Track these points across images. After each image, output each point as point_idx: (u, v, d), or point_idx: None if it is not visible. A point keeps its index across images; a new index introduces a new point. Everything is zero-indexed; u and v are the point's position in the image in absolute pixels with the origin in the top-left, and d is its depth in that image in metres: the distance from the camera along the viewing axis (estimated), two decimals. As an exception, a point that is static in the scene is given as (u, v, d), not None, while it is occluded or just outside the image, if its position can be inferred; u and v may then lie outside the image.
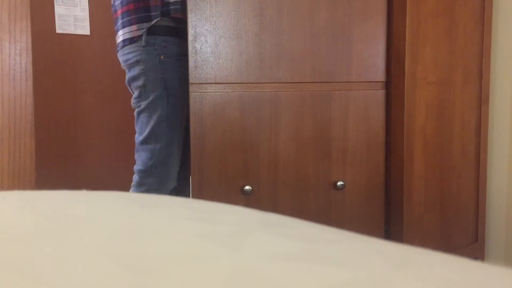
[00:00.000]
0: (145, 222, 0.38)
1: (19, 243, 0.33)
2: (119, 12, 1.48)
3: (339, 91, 1.42)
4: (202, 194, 1.34)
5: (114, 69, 2.76)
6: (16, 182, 2.40)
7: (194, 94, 1.32)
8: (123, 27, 1.45)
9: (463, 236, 1.50)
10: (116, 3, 1.49)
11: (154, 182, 1.45)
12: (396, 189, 1.31)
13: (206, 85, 1.34)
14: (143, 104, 1.43)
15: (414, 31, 1.29)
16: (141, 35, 1.41)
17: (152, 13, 1.42)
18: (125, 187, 2.97)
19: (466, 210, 1.50)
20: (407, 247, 0.37)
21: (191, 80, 1.31)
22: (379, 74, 1.33)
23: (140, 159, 1.46)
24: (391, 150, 1.33)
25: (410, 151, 1.31)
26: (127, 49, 1.44)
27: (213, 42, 1.34)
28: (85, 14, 2.62)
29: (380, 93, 1.33)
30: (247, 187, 1.37)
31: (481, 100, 1.52)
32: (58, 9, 2.56)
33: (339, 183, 1.45)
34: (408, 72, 1.28)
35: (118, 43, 1.51)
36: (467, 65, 1.46)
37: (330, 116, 1.45)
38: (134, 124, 1.50)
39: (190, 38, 1.31)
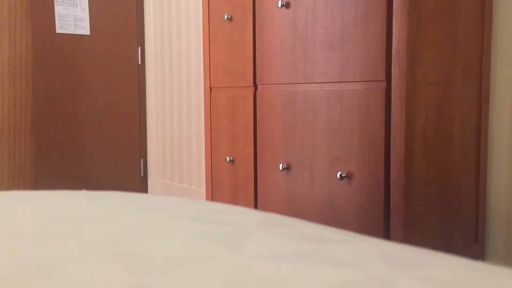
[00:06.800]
0: (145, 222, 0.38)
1: (19, 243, 0.33)
2: None
3: (339, 90, 1.42)
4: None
5: (114, 69, 2.76)
6: (16, 182, 2.40)
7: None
8: None
9: (463, 236, 1.50)
10: None
11: None
12: (396, 189, 1.31)
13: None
14: None
15: (414, 31, 1.29)
16: None
17: None
18: (125, 187, 2.98)
19: (466, 210, 1.50)
20: (407, 247, 0.37)
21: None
22: (379, 74, 1.33)
23: None
24: (391, 150, 1.33)
25: (410, 151, 1.31)
26: None
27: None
28: (85, 14, 2.62)
29: (380, 93, 1.33)
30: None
31: (481, 100, 1.52)
32: (58, 9, 2.56)
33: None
34: (408, 72, 1.28)
35: None
36: (467, 65, 1.46)
37: (330, 116, 1.45)
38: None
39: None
